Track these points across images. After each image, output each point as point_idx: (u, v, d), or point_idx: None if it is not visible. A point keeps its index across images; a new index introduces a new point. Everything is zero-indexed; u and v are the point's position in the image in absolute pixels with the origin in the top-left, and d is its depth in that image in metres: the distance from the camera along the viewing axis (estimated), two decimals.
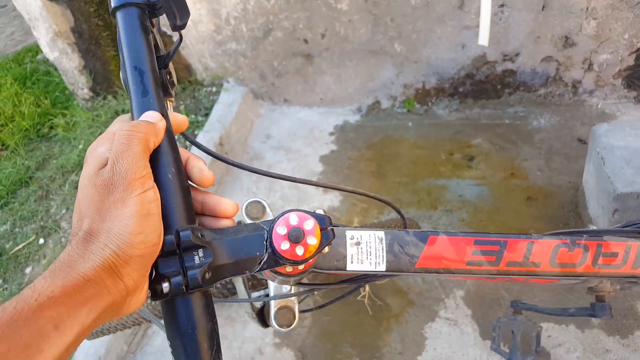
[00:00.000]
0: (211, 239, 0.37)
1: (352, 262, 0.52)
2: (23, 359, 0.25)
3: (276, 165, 1.85)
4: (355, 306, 1.40)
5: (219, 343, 0.37)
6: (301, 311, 0.87)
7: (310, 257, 0.40)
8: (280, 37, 1.91)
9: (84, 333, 0.28)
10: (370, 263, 0.52)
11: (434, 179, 1.65)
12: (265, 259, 0.40)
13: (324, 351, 1.33)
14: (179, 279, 0.34)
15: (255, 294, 0.84)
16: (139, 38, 0.41)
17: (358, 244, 0.52)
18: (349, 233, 0.53)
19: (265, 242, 0.40)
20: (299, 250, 0.39)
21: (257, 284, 0.80)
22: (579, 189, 1.51)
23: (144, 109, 0.37)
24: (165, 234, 0.34)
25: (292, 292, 0.68)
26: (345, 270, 0.52)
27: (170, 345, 0.36)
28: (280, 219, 0.40)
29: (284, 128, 1.99)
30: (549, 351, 1.22)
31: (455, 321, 1.32)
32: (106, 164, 0.32)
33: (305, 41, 1.90)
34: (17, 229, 1.82)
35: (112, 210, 0.31)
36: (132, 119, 0.37)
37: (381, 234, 0.53)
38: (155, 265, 0.34)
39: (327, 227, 0.41)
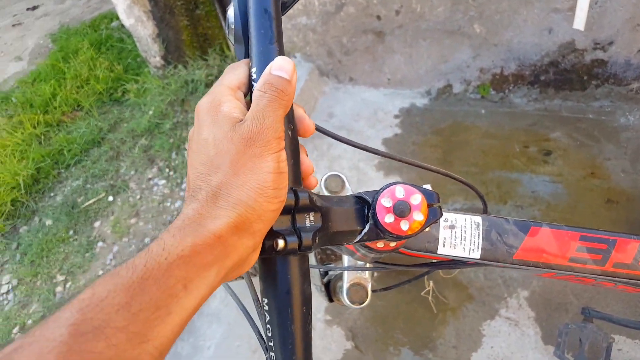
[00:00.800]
0: (321, 204, 0.36)
1: (444, 246, 0.49)
2: (152, 321, 0.24)
3: (337, 145, 1.82)
4: (410, 295, 1.37)
5: (311, 308, 0.36)
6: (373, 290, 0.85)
7: (415, 234, 0.37)
8: (352, 13, 1.86)
9: (209, 293, 0.27)
10: (463, 249, 0.49)
11: (505, 172, 1.57)
12: (366, 231, 0.37)
13: (375, 334, 1.31)
14: (293, 238, 0.33)
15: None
16: None
17: (452, 227, 0.49)
18: (443, 215, 0.49)
19: (368, 213, 0.38)
20: (404, 225, 0.36)
21: (325, 258, 0.79)
22: None
23: (272, 56, 0.34)
24: None
25: (366, 268, 0.65)
26: (436, 253, 0.49)
27: (267, 303, 0.35)
28: (385, 190, 0.38)
29: (347, 107, 1.96)
30: None
31: (516, 322, 1.26)
32: (240, 120, 0.31)
33: (378, 17, 1.84)
34: (88, 186, 1.92)
35: (248, 164, 0.30)
36: (253, 66, 0.35)
37: (478, 219, 0.50)
38: None
39: (435, 203, 0.38)
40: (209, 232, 0.27)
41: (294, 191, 0.34)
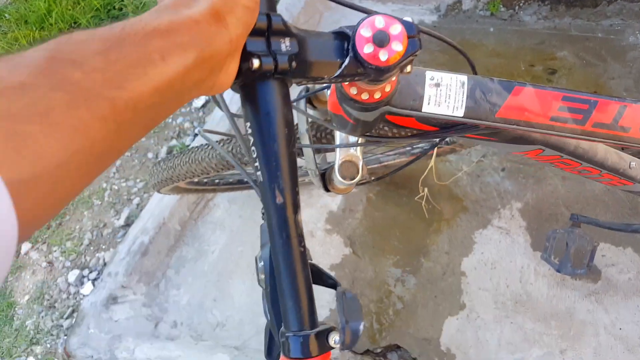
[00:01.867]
0: (297, 32, 0.37)
1: (428, 104, 0.50)
2: (128, 74, 0.24)
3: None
4: (407, 207, 1.41)
5: (294, 133, 0.38)
6: (360, 183, 0.88)
7: (394, 66, 0.38)
8: None
9: (185, 79, 0.28)
10: (447, 106, 0.50)
11: None
12: (346, 63, 0.38)
13: (372, 241, 1.37)
14: (269, 59, 0.34)
15: (318, 159, 0.84)
16: None
17: (437, 85, 0.50)
18: (429, 73, 0.50)
19: (347, 45, 0.39)
20: (383, 55, 0.37)
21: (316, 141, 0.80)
22: None
23: None
24: None
25: (356, 144, 0.67)
26: (420, 111, 0.51)
27: (251, 131, 0.37)
28: (365, 21, 0.38)
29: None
30: (600, 269, 1.19)
31: (507, 230, 1.30)
32: None
33: None
34: None
35: None
36: None
37: (464, 78, 0.51)
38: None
39: (416, 35, 0.39)
40: (185, 15, 0.28)
41: (267, 15, 0.34)
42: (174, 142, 1.70)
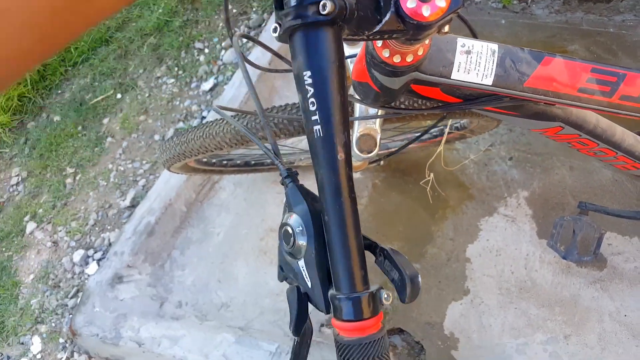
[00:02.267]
0: None
1: (458, 71, 0.50)
2: None
3: None
4: (413, 193, 1.41)
5: (345, 82, 0.37)
6: (371, 162, 0.88)
7: (435, 22, 0.38)
8: None
9: None
10: (477, 74, 0.50)
11: None
12: (387, 19, 0.38)
13: (376, 226, 1.37)
14: (335, 2, 0.34)
15: None
16: None
17: (468, 52, 0.50)
18: (460, 40, 0.50)
19: (389, 0, 0.39)
20: (425, 11, 0.37)
21: None
22: None
23: None
24: None
25: (379, 116, 0.67)
26: (450, 78, 0.51)
27: (310, 76, 0.37)
28: None
29: None
30: (606, 257, 1.20)
31: (513, 218, 1.31)
32: None
33: None
34: (96, 83, 1.92)
35: None
36: None
37: (495, 46, 0.51)
38: None
39: None
40: None
41: None
42: (180, 124, 1.69)
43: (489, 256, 1.27)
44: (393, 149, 1.36)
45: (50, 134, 1.84)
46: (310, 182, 1.50)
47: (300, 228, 0.43)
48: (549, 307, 1.14)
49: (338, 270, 0.40)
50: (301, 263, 0.43)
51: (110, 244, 1.47)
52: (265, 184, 1.50)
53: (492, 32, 1.73)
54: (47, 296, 1.44)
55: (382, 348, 0.41)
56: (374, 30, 0.39)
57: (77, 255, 1.47)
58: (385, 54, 0.46)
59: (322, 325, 1.24)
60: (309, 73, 0.36)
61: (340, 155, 0.37)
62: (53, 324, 1.38)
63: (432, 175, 1.35)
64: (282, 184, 0.48)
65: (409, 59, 0.47)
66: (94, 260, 1.46)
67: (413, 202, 1.40)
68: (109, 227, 1.53)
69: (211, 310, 1.31)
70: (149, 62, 1.88)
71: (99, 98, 1.86)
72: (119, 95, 1.85)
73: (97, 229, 1.54)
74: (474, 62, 0.50)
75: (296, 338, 0.45)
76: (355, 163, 0.79)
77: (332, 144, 0.37)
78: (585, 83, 0.51)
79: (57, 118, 1.90)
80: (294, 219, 0.44)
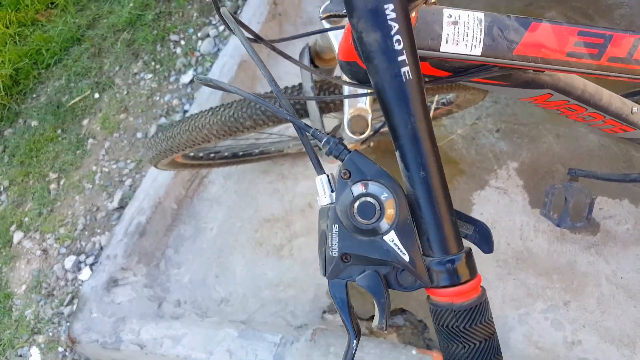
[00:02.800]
0: None
1: (446, 43, 0.49)
2: None
3: None
4: None
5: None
6: (362, 142, 0.87)
7: None
8: None
9: None
10: (466, 45, 0.49)
11: None
12: None
13: None
14: None
15: (325, 120, 0.83)
16: None
17: (455, 23, 0.49)
18: (446, 11, 0.49)
19: None
20: None
21: (325, 108, 0.79)
22: None
23: None
24: None
25: (368, 97, 0.66)
26: (438, 51, 0.49)
27: (374, 15, 0.35)
28: None
29: None
30: (598, 222, 1.21)
31: (505, 190, 1.31)
32: None
33: None
34: (72, 84, 1.86)
35: None
36: None
37: (481, 15, 0.49)
38: None
39: None
40: None
41: None
42: (162, 120, 1.66)
43: None
44: (381, 130, 1.35)
45: (29, 139, 1.79)
46: (300, 169, 1.47)
47: (386, 195, 0.38)
48: (547, 275, 1.15)
49: (431, 233, 0.37)
50: (390, 236, 0.38)
51: (101, 248, 1.45)
52: (255, 173, 1.48)
53: (469, 4, 1.71)
54: (42, 306, 1.41)
55: (487, 312, 0.39)
56: None
57: (69, 261, 1.45)
58: None
59: (324, 312, 1.24)
60: (391, 6, 0.34)
61: (428, 101, 0.36)
62: (50, 334, 1.36)
63: None
64: (330, 155, 0.41)
65: None
66: (86, 265, 1.43)
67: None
68: (98, 231, 1.50)
69: (211, 306, 1.30)
70: (125, 59, 1.83)
71: (77, 99, 1.81)
72: (96, 95, 1.80)
73: (86, 233, 1.51)
74: (462, 33, 0.49)
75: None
76: (349, 145, 0.78)
77: (421, 87, 0.35)
78: (573, 47, 0.50)
79: (34, 123, 1.85)
80: (373, 187, 0.38)
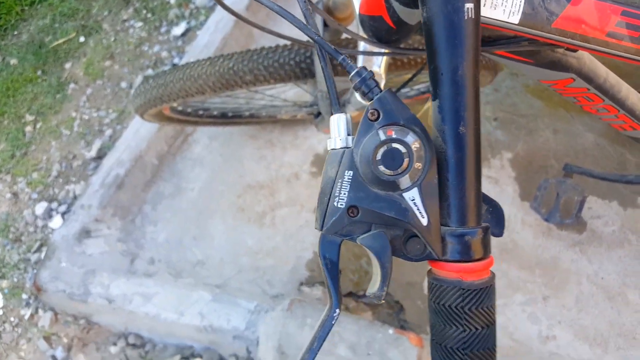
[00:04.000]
0: None
1: (484, 5, 0.45)
2: None
3: None
4: None
5: None
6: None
7: None
8: None
9: None
10: (504, 10, 0.45)
11: None
12: None
13: None
14: None
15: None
16: None
17: None
18: None
19: None
20: None
21: (333, 68, 0.74)
22: None
23: None
24: None
25: (384, 59, 0.61)
26: None
27: None
28: None
29: None
30: (586, 221, 1.21)
31: (496, 180, 1.30)
32: None
33: None
34: (56, 25, 1.75)
35: None
36: None
37: None
38: None
39: None
40: None
41: None
42: (149, 71, 1.58)
43: None
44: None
45: (7, 78, 1.69)
46: (289, 138, 1.42)
47: (418, 146, 0.33)
48: (529, 269, 1.15)
49: (455, 199, 0.34)
50: (411, 194, 0.34)
51: (75, 197, 1.38)
52: (243, 138, 1.43)
53: None
54: (8, 250, 1.35)
55: (494, 297, 0.36)
56: None
57: (40, 207, 1.38)
58: None
59: (301, 283, 1.22)
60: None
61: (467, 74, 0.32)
62: (15, 279, 1.30)
63: None
64: (359, 90, 0.36)
65: None
66: (58, 213, 1.37)
67: None
68: (73, 179, 1.43)
69: (186, 267, 1.26)
70: (115, 4, 1.73)
71: (60, 41, 1.70)
72: (82, 39, 1.70)
73: (60, 180, 1.44)
74: None
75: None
76: (353, 113, 0.74)
77: (478, 31, 0.32)
78: (615, 27, 0.46)
79: (13, 61, 1.74)
80: (405, 134, 0.33)
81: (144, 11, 1.69)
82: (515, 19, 0.45)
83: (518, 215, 1.24)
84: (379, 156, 0.33)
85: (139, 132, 1.35)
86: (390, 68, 0.74)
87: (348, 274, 1.22)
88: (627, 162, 1.27)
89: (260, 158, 1.40)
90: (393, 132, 0.33)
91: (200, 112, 1.21)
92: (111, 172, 1.29)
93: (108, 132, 1.51)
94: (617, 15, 0.47)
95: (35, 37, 1.77)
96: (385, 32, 0.49)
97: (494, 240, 1.17)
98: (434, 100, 0.34)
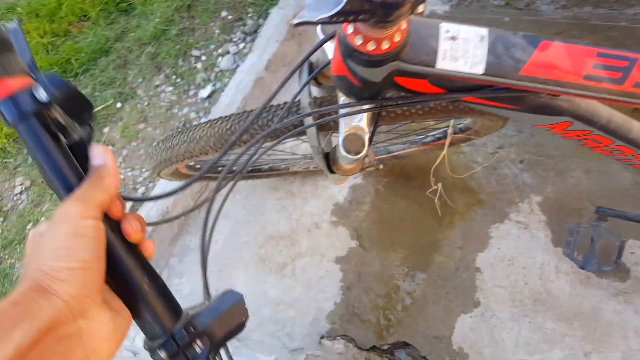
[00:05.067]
0: (205, 325, 0.38)
1: (443, 59, 0.44)
2: None
3: None
4: (418, 199, 1.34)
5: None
6: (365, 168, 0.82)
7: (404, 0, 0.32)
8: None
9: (23, 356, 0.27)
10: (465, 62, 0.44)
11: None
12: None
13: (379, 235, 1.31)
14: None
15: (323, 143, 0.78)
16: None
17: (454, 38, 0.44)
18: (444, 26, 0.44)
19: None
20: None
21: (325, 126, 0.75)
22: None
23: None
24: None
25: (364, 114, 0.61)
26: (434, 67, 0.45)
27: None
28: None
29: None
30: (629, 267, 1.11)
31: (526, 225, 1.23)
32: None
33: None
34: (96, 93, 1.90)
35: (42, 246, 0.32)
36: None
37: (484, 31, 0.44)
38: None
39: None
40: (7, 302, 0.29)
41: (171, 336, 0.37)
42: None
43: (500, 265, 1.19)
44: (396, 152, 1.29)
45: None
46: (310, 188, 1.43)
47: None
48: (567, 321, 1.06)
49: None
50: None
51: None
52: (265, 189, 1.45)
53: None
54: None
55: None
56: (337, 10, 0.33)
57: None
58: (358, 41, 0.41)
59: (322, 337, 1.18)
60: None
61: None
62: None
63: (440, 185, 1.28)
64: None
65: (385, 45, 0.41)
66: None
67: (419, 208, 1.32)
68: None
69: None
70: (148, 71, 1.86)
71: (100, 107, 1.83)
72: (118, 105, 1.82)
73: None
74: (461, 49, 0.44)
75: None
76: (346, 166, 0.73)
77: None
78: (592, 69, 0.44)
79: None
80: None
81: (174, 76, 1.80)
82: (479, 69, 0.44)
83: (552, 262, 1.16)
84: None
85: (166, 189, 1.40)
86: (385, 120, 0.74)
87: (369, 324, 1.17)
88: None
89: (281, 208, 1.41)
90: None
91: (219, 168, 1.24)
92: None
93: (141, 189, 1.58)
94: (592, 58, 0.45)
95: None
96: (355, 90, 0.49)
97: (526, 290, 1.08)
98: None
